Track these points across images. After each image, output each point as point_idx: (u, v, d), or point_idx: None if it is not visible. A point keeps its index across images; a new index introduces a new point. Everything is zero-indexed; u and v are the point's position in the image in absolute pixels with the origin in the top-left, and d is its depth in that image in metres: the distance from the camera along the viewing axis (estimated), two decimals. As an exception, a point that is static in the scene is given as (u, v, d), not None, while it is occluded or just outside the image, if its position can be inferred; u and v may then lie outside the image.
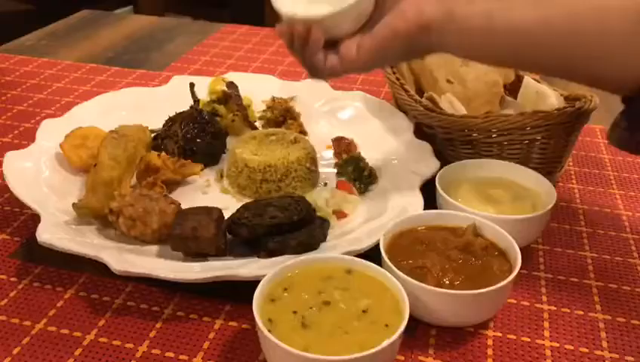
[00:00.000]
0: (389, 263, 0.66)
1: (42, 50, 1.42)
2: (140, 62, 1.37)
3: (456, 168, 0.86)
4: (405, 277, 0.64)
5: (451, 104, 0.93)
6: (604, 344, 0.67)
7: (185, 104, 1.00)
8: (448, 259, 0.69)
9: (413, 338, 0.66)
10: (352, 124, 1.04)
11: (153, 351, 0.64)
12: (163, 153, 0.89)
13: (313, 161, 0.92)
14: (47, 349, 0.64)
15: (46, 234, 0.71)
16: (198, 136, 0.93)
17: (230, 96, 1.05)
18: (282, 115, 1.04)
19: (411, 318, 0.59)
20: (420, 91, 1.01)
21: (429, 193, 0.82)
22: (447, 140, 0.91)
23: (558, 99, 0.91)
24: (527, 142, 0.87)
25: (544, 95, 0.91)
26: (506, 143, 0.87)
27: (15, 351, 0.63)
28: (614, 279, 0.77)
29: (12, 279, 0.73)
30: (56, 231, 0.73)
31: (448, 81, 0.97)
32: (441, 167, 0.86)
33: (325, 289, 0.63)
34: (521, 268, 0.67)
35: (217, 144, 0.96)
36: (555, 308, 0.71)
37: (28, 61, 1.35)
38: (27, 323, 0.67)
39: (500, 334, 0.67)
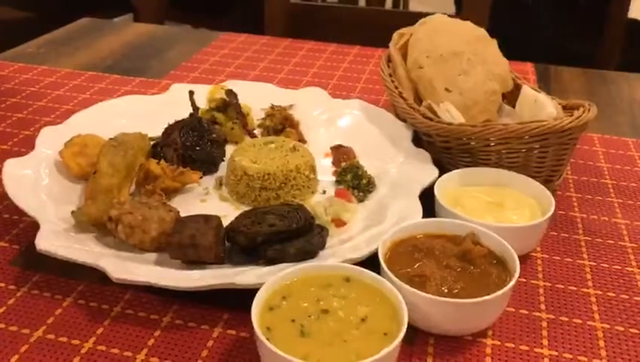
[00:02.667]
0: (388, 271, 0.66)
1: (42, 57, 1.42)
2: (140, 70, 1.38)
3: (455, 176, 0.87)
4: (404, 285, 0.64)
5: (449, 112, 0.93)
6: (603, 352, 0.67)
7: (184, 112, 1.00)
8: (447, 267, 0.69)
9: (412, 347, 0.66)
10: (351, 132, 1.04)
11: (151, 359, 0.64)
12: (162, 161, 0.89)
13: (312, 168, 0.92)
14: (46, 357, 0.63)
15: (45, 242, 0.71)
16: (197, 143, 0.94)
17: (229, 104, 1.05)
18: (281, 123, 1.04)
19: (410, 326, 0.60)
20: (419, 100, 1.01)
21: (428, 201, 0.82)
22: (446, 149, 0.92)
23: (557, 108, 0.91)
24: (525, 150, 0.87)
25: (542, 104, 0.92)
26: (504, 152, 0.88)
27: (13, 359, 0.63)
28: (612, 287, 0.77)
29: (10, 287, 0.73)
30: (55, 238, 0.73)
31: (446, 89, 0.97)
32: (440, 176, 0.86)
33: (324, 297, 0.63)
34: (519, 277, 0.67)
35: (216, 152, 0.96)
36: (554, 317, 0.72)
37: (28, 69, 1.35)
38: (25, 330, 0.67)
39: (499, 342, 0.67)
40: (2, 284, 0.73)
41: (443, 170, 0.88)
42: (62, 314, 0.69)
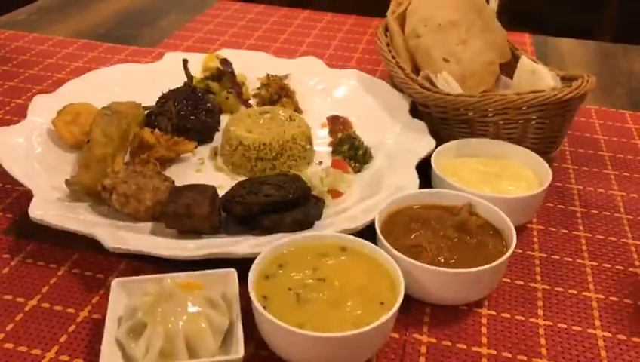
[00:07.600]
0: (385, 241, 0.66)
1: (33, 25, 1.39)
2: (133, 38, 1.36)
3: (452, 147, 0.86)
4: (400, 255, 0.64)
5: (447, 83, 0.92)
6: (597, 322, 0.67)
7: (178, 81, 0.99)
8: (443, 238, 0.69)
9: (408, 316, 0.66)
10: (348, 102, 1.03)
11: (147, 328, 0.64)
12: (156, 130, 0.88)
13: (308, 139, 0.91)
14: (41, 326, 0.63)
15: (38, 211, 0.70)
16: (192, 113, 0.92)
17: (224, 73, 1.04)
18: (277, 93, 1.03)
19: (406, 296, 0.60)
20: (416, 70, 1.00)
21: (425, 172, 0.82)
22: (443, 119, 0.91)
23: (555, 79, 0.90)
24: (522, 121, 0.87)
25: (540, 75, 0.91)
26: (501, 123, 0.87)
27: (8, 328, 0.63)
28: (608, 258, 0.77)
29: (5, 256, 0.72)
30: (49, 207, 0.72)
31: (444, 59, 0.96)
32: (437, 146, 0.85)
33: (320, 266, 0.63)
34: (515, 247, 0.67)
35: (211, 121, 0.95)
36: (549, 287, 0.72)
37: (19, 36, 1.32)
38: (20, 299, 0.66)
39: (494, 313, 0.68)
40: (-4, 253, 0.73)
41: (440, 140, 0.87)
42: (57, 283, 0.69)
